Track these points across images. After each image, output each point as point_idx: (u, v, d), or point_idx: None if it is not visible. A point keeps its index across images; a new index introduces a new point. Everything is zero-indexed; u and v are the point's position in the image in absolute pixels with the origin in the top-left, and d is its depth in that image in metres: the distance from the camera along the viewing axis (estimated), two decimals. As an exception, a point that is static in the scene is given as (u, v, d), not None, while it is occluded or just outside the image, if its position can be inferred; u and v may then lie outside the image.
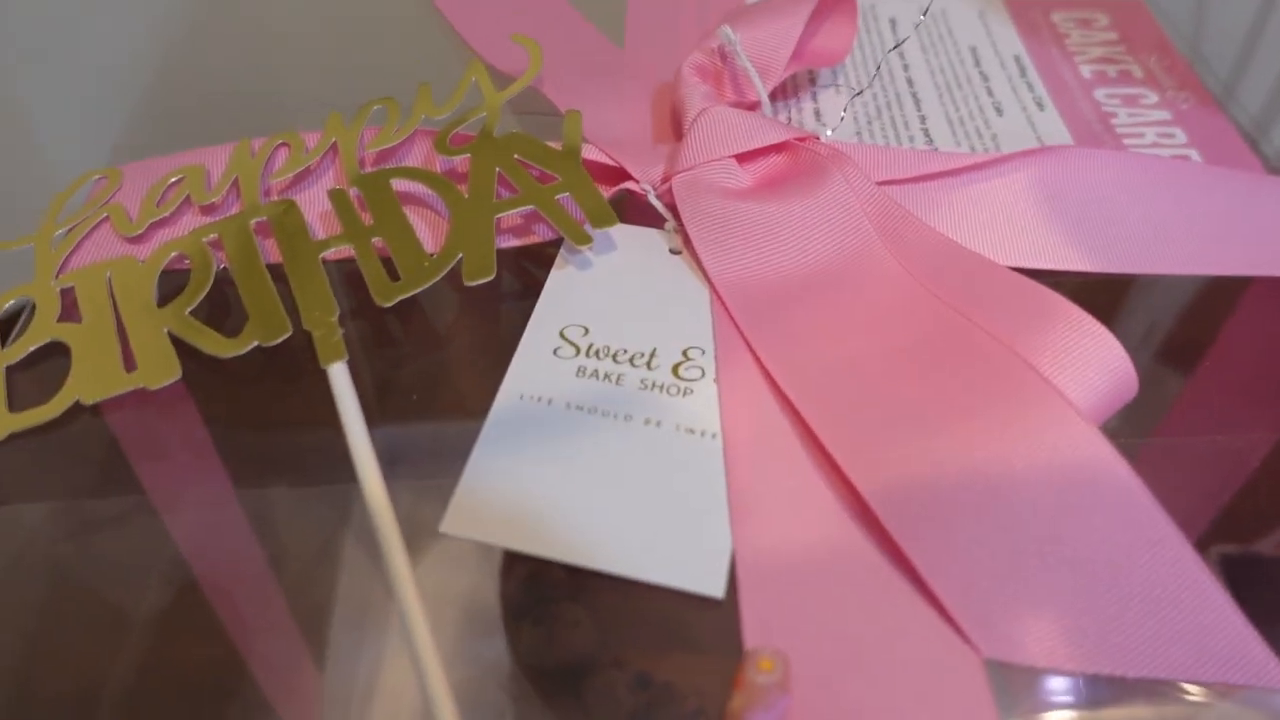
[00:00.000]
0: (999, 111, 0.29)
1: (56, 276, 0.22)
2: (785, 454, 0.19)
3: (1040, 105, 0.29)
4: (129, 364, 0.20)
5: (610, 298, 0.22)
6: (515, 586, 0.30)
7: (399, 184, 0.23)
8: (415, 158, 0.25)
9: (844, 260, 0.23)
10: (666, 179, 0.24)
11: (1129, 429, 0.21)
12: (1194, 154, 0.27)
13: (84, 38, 0.50)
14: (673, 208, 0.24)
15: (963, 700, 0.16)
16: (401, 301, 0.21)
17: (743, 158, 0.24)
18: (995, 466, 0.18)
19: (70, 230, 0.23)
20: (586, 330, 0.22)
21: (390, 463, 0.19)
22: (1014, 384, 0.19)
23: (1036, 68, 0.31)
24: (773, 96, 0.27)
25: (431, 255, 0.22)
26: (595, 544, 0.18)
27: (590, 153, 0.24)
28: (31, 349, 0.21)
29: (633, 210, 0.24)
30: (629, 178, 0.24)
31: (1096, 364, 0.19)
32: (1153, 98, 0.29)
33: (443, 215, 0.24)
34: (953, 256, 0.23)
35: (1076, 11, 0.33)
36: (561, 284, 0.23)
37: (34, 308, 0.22)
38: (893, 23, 0.32)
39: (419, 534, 0.19)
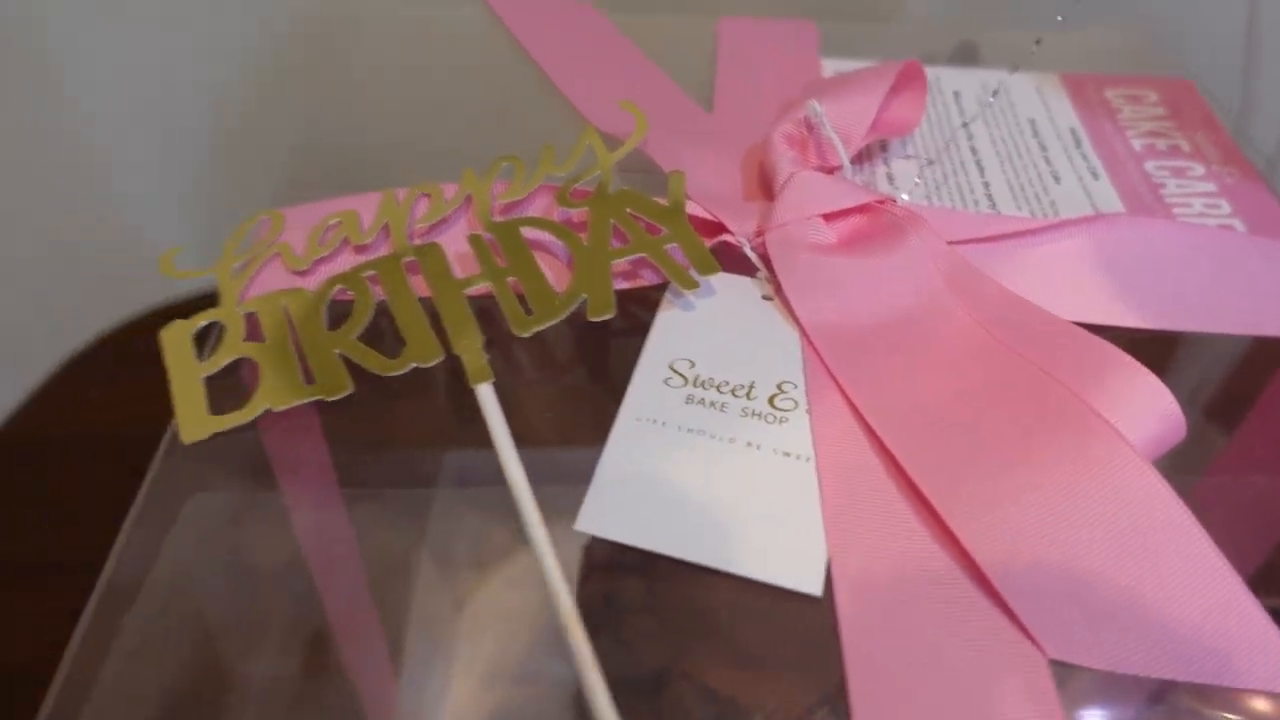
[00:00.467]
0: (1056, 180, 0.32)
1: (240, 302, 0.25)
2: (871, 477, 0.22)
3: (1094, 175, 0.32)
4: (308, 379, 0.24)
5: (711, 336, 0.25)
6: (593, 600, 0.33)
7: (527, 231, 0.26)
8: (537, 208, 0.28)
9: (918, 309, 0.25)
10: (760, 233, 0.27)
11: (1175, 468, 0.23)
12: (1237, 223, 0.30)
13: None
14: (765, 259, 0.27)
15: (1029, 696, 0.19)
16: (538, 339, 0.24)
17: (828, 216, 0.27)
18: (1061, 495, 0.21)
19: (247, 264, 0.26)
20: (692, 364, 0.25)
21: (528, 471, 0.22)
22: (1077, 423, 0.22)
23: (1090, 140, 0.33)
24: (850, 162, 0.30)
25: (558, 294, 0.25)
26: (706, 544, 0.21)
27: (690, 208, 0.28)
28: (224, 364, 0.24)
29: (726, 259, 0.27)
30: (726, 231, 0.27)
31: (1149, 409, 0.22)
32: (1199, 170, 0.32)
33: (562, 259, 0.27)
34: (1016, 308, 0.25)
35: (1128, 89, 0.36)
36: (668, 323, 0.26)
37: (222, 329, 0.25)
38: (956, 95, 0.35)
39: (552, 534, 0.21)
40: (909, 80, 0.31)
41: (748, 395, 0.24)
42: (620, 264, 0.27)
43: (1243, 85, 0.36)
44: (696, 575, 0.21)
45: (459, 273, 0.26)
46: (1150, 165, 0.32)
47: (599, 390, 0.24)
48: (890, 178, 0.31)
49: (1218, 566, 0.20)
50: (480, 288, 0.25)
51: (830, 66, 0.36)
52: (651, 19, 0.40)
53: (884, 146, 0.33)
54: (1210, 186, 0.31)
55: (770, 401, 0.24)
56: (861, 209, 0.27)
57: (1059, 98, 0.35)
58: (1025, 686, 0.19)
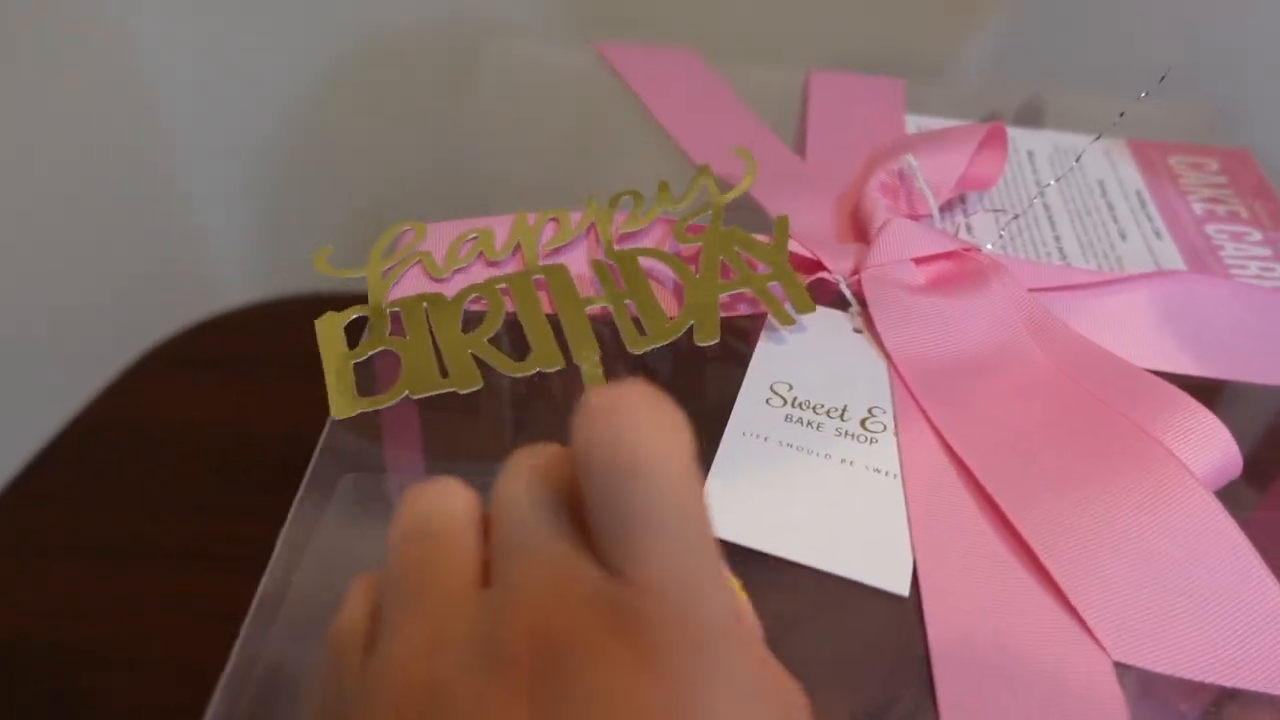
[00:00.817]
0: (1123, 237, 0.34)
1: (386, 302, 0.29)
2: (953, 493, 0.25)
3: (1158, 235, 0.34)
4: (443, 373, 0.27)
5: (808, 363, 0.28)
6: None
7: (643, 260, 0.29)
8: (652, 239, 0.31)
9: (999, 347, 0.28)
10: (855, 272, 0.30)
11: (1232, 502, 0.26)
12: (1291, 286, 0.32)
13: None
14: (859, 295, 0.30)
15: (1094, 693, 0.21)
16: (644, 357, 0.27)
17: (919, 260, 0.30)
18: (1128, 515, 0.23)
19: (393, 268, 0.30)
20: (791, 386, 0.27)
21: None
22: (1142, 454, 0.24)
23: (1154, 202, 0.36)
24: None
25: (670, 319, 0.28)
26: (806, 545, 0.24)
27: (790, 245, 0.31)
28: (370, 353, 0.27)
29: (821, 293, 0.30)
30: (823, 268, 0.30)
31: (1210, 445, 0.25)
32: (1256, 235, 0.35)
33: (669, 288, 0.30)
34: (1087, 351, 0.28)
35: (1189, 156, 0.39)
36: (768, 350, 0.29)
37: (370, 324, 0.28)
38: (1030, 155, 0.38)
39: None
40: (992, 141, 0.34)
41: (841, 417, 0.27)
42: (724, 298, 0.30)
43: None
44: (784, 582, 0.24)
45: (581, 293, 0.29)
46: (1210, 228, 0.35)
47: (706, 409, 0.27)
48: (969, 228, 0.34)
49: (1267, 584, 0.22)
50: (598, 308, 0.28)
51: (912, 122, 0.39)
52: (736, 67, 0.43)
53: (964, 199, 0.35)
54: (1266, 251, 0.34)
55: (862, 423, 0.27)
56: (949, 255, 0.30)
57: (1126, 161, 0.38)
58: (1088, 684, 0.21)
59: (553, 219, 0.31)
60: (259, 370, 0.53)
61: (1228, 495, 0.25)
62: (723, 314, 0.30)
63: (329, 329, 0.28)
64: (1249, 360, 0.29)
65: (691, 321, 0.28)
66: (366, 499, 0.26)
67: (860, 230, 0.32)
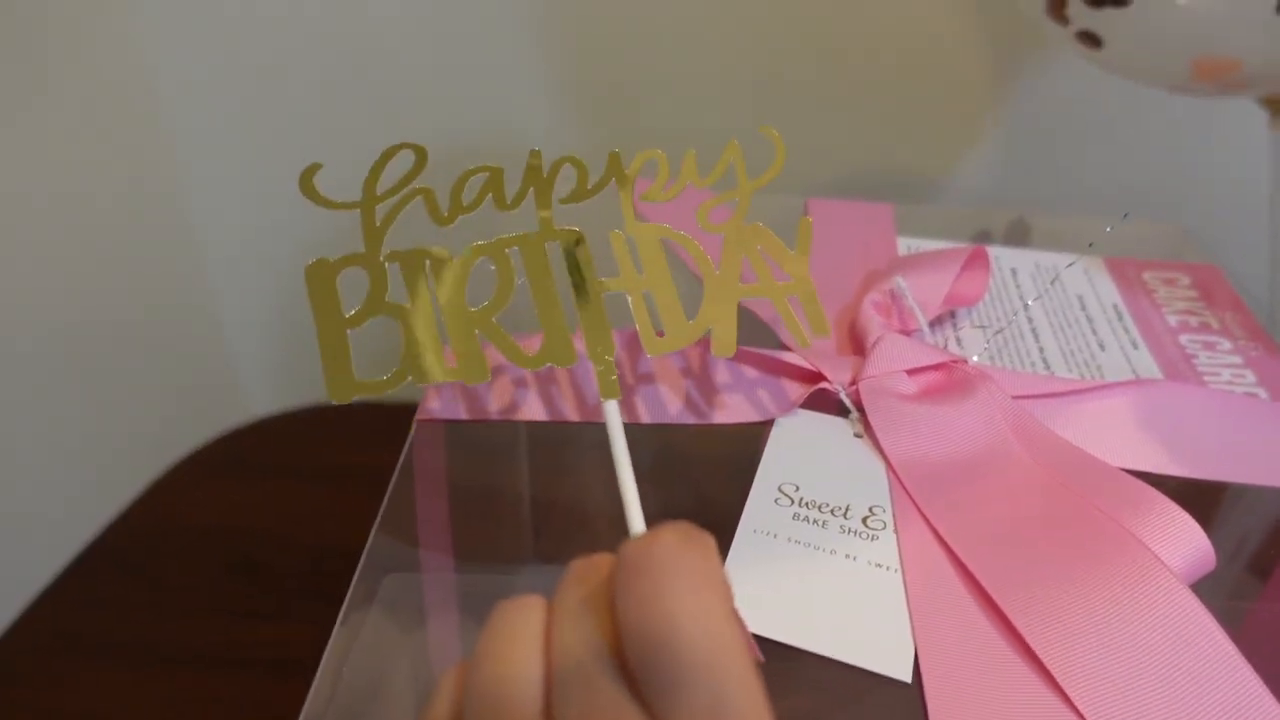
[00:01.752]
0: (1102, 348, 0.37)
1: (384, 252, 0.27)
2: (950, 587, 0.27)
3: (1135, 345, 0.37)
4: (450, 360, 0.26)
5: (812, 465, 0.31)
6: None
7: (666, 239, 0.29)
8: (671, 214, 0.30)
9: (987, 450, 0.30)
10: (853, 382, 0.32)
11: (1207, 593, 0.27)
12: (1262, 392, 0.35)
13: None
14: (857, 403, 0.32)
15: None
16: (666, 460, 0.30)
17: (911, 371, 0.32)
18: (1113, 610, 0.25)
19: (391, 209, 0.27)
20: (797, 487, 0.30)
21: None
22: (1124, 550, 0.26)
23: (1131, 314, 0.39)
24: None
25: (689, 322, 0.28)
26: (815, 634, 0.25)
27: (791, 358, 0.33)
28: (368, 320, 0.26)
29: (822, 403, 0.33)
30: (824, 379, 0.33)
31: (1184, 541, 0.27)
32: (1227, 345, 0.37)
33: (693, 268, 0.30)
34: (1069, 453, 0.30)
35: (1163, 272, 0.42)
36: (775, 453, 0.31)
37: (370, 285, 0.26)
38: (1014, 272, 0.41)
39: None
40: (975, 261, 0.37)
41: (844, 515, 0.29)
42: (725, 402, 0.32)
43: (1270, 277, 0.42)
44: (794, 677, 0.25)
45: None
46: (1184, 339, 0.38)
47: (722, 507, 0.29)
48: (959, 341, 0.37)
49: (1242, 669, 0.24)
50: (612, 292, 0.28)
51: (904, 244, 0.43)
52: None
53: (953, 314, 0.38)
54: (1237, 359, 0.37)
55: (864, 521, 0.29)
56: (939, 366, 0.33)
57: (1103, 278, 0.41)
58: None
59: (571, 163, 0.28)
60: (290, 478, 0.55)
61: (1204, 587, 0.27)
62: (734, 419, 0.32)
63: (321, 284, 0.26)
64: (1221, 460, 0.31)
65: (710, 328, 0.29)
66: (406, 598, 0.28)
67: (857, 344, 0.34)
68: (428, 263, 0.27)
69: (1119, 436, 0.32)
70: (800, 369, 0.33)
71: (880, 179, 0.58)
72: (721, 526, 0.28)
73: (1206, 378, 0.35)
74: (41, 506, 0.55)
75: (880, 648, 0.25)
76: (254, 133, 0.59)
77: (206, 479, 0.60)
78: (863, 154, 0.57)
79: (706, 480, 0.31)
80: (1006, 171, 0.57)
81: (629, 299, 0.29)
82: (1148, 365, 0.36)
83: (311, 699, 0.25)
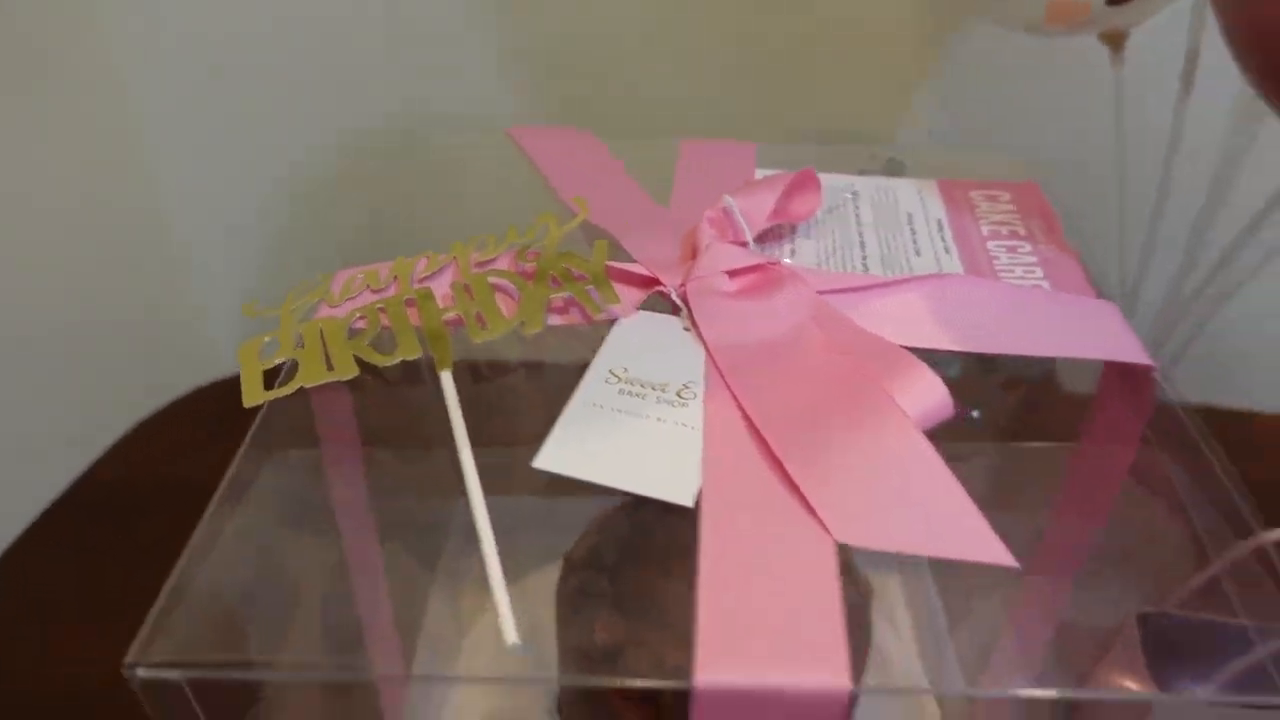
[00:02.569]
0: (918, 254, 0.42)
1: (295, 330, 0.37)
2: (740, 439, 0.32)
3: (947, 250, 0.43)
4: (329, 367, 0.34)
5: (642, 353, 0.36)
6: (570, 591, 0.44)
7: (493, 279, 0.38)
8: (502, 265, 0.39)
9: (789, 336, 0.36)
10: (683, 285, 0.38)
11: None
12: (1045, 284, 0.40)
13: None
14: (686, 302, 0.38)
15: (818, 570, 0.28)
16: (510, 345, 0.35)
17: (731, 273, 0.38)
18: (862, 449, 0.31)
19: (300, 303, 0.38)
20: (626, 369, 0.35)
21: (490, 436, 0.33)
22: (877, 402, 0.32)
23: (951, 227, 0.44)
24: (767, 238, 0.42)
25: (505, 318, 0.36)
26: (618, 472, 0.31)
27: (634, 268, 0.39)
28: (278, 362, 0.35)
29: (660, 303, 0.39)
30: (660, 283, 0.38)
31: (927, 394, 0.32)
32: (1028, 248, 0.43)
33: (515, 298, 0.38)
34: (859, 336, 0.36)
35: (988, 190, 0.47)
36: (613, 345, 0.37)
37: (281, 343, 0.36)
38: (855, 195, 0.47)
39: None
40: (805, 182, 0.42)
41: (662, 390, 0.35)
42: (558, 302, 0.38)
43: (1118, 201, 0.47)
44: (651, 574, 0.31)
45: (441, 306, 0.37)
46: (992, 244, 0.43)
47: (559, 385, 0.35)
48: (793, 252, 0.42)
49: (951, 484, 0.30)
50: (453, 315, 0.36)
51: (760, 174, 0.48)
52: (647, 142, 0.52)
53: (794, 229, 0.44)
54: (1033, 259, 0.42)
55: (678, 394, 0.34)
56: (755, 268, 0.38)
57: (934, 197, 0.47)
58: (816, 559, 0.28)
59: (425, 257, 0.39)
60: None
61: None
62: (556, 317, 0.38)
63: (248, 350, 0.36)
64: (996, 337, 0.37)
65: (522, 319, 0.36)
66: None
67: (694, 255, 0.40)
68: (321, 328, 0.36)
69: (909, 321, 0.37)
70: (641, 276, 0.39)
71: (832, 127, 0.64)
72: (559, 400, 0.34)
73: (1001, 274, 0.41)
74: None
75: (671, 481, 0.31)
76: (216, 102, 0.65)
77: (174, 431, 0.66)
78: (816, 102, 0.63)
79: (556, 372, 0.37)
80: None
81: (463, 314, 0.37)
82: (953, 267, 0.42)
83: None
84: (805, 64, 0.62)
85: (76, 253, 0.63)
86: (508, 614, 0.27)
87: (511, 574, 0.29)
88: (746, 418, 0.33)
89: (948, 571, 0.67)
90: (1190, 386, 0.40)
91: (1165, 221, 0.55)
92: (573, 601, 0.49)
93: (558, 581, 0.45)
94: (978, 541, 0.29)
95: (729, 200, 0.40)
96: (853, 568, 0.52)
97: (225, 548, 0.32)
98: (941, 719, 0.62)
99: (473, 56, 0.64)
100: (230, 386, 0.34)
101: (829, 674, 0.26)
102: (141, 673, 0.27)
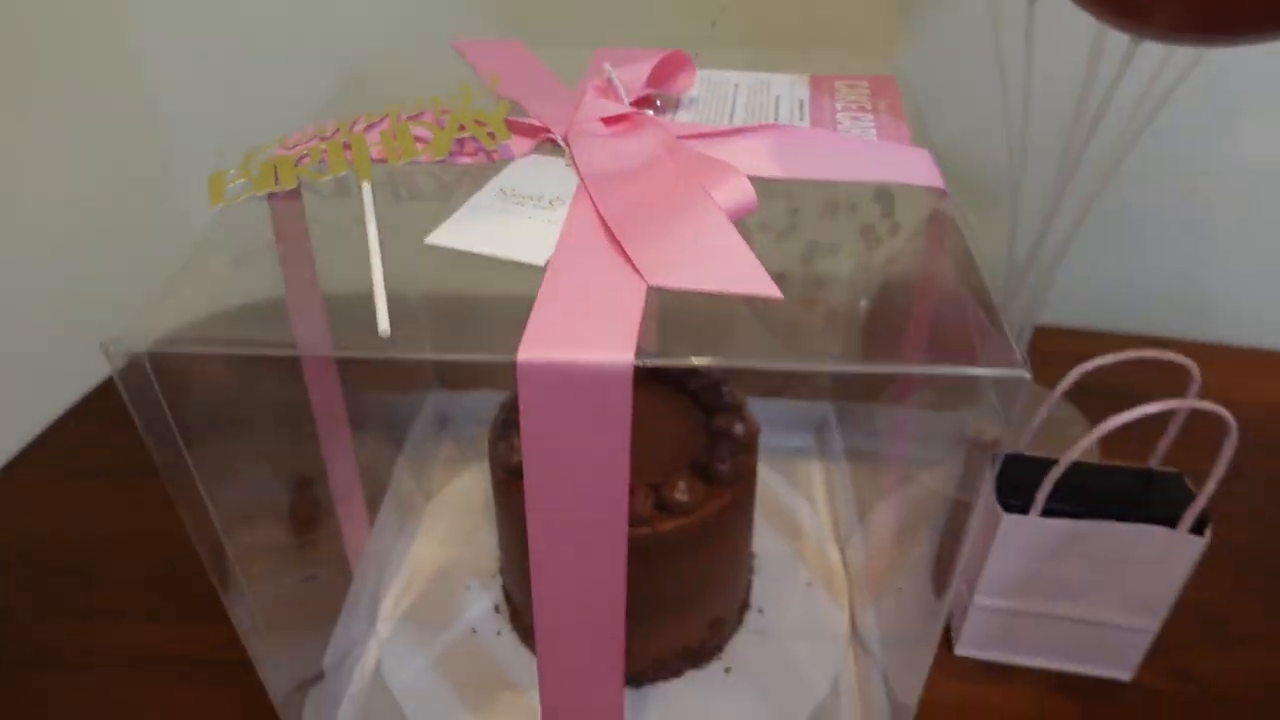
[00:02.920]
0: (776, 121, 0.51)
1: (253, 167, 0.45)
2: (592, 228, 0.41)
3: (802, 119, 0.51)
4: (276, 182, 0.43)
5: (529, 179, 0.45)
6: (497, 424, 0.53)
7: (415, 129, 0.46)
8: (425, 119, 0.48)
9: (645, 164, 0.45)
10: (566, 132, 0.47)
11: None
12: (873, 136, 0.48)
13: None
14: (567, 143, 0.46)
15: (629, 300, 0.37)
16: (428, 182, 0.44)
17: (606, 120, 0.47)
18: (673, 217, 0.39)
19: (259, 151, 0.47)
20: (514, 189, 0.44)
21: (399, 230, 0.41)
22: (697, 194, 0.40)
23: (810, 104, 0.53)
24: (648, 105, 0.51)
25: (419, 149, 0.45)
26: (490, 244, 0.40)
27: (531, 120, 0.48)
28: (239, 181, 0.44)
29: (549, 149, 0.47)
30: (549, 131, 0.47)
31: (737, 191, 0.41)
32: (870, 119, 0.51)
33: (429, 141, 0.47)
34: (702, 160, 0.44)
35: (850, 80, 0.56)
36: (506, 174, 0.45)
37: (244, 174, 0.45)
38: (736, 87, 0.55)
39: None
40: (678, 60, 0.51)
41: (537, 200, 0.43)
42: (468, 147, 0.46)
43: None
44: None
45: (370, 148, 0.45)
46: (840, 115, 0.51)
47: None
48: (673, 119, 0.51)
49: (741, 247, 0.38)
50: (378, 152, 0.45)
51: (662, 71, 0.57)
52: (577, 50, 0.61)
53: (677, 105, 0.53)
54: (871, 124, 0.50)
55: (550, 203, 0.43)
56: (624, 117, 0.47)
57: (803, 86, 0.55)
58: (628, 300, 0.37)
59: (364, 115, 0.48)
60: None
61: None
62: (466, 159, 0.46)
63: (215, 179, 0.44)
64: (818, 167, 0.45)
65: (433, 151, 0.45)
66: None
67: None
68: (275, 163, 0.44)
69: (750, 157, 0.46)
70: (535, 126, 0.48)
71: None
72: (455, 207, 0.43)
73: (840, 132, 0.49)
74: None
75: (530, 250, 0.40)
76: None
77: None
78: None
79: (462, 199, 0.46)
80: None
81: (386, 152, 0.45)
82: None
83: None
84: None
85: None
86: (383, 306, 0.35)
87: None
88: (600, 216, 0.42)
89: (860, 462, 0.75)
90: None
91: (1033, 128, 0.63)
92: (499, 430, 0.58)
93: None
94: (753, 280, 0.37)
95: (609, 69, 0.49)
96: (743, 410, 0.60)
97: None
98: (845, 579, 0.70)
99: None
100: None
101: (617, 353, 0.34)
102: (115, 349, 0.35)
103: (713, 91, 0.54)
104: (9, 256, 0.77)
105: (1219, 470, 0.51)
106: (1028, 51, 0.59)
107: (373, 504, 0.69)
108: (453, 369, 0.82)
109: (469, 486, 0.77)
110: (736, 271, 0.37)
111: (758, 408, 0.81)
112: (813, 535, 0.72)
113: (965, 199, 0.44)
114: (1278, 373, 0.90)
